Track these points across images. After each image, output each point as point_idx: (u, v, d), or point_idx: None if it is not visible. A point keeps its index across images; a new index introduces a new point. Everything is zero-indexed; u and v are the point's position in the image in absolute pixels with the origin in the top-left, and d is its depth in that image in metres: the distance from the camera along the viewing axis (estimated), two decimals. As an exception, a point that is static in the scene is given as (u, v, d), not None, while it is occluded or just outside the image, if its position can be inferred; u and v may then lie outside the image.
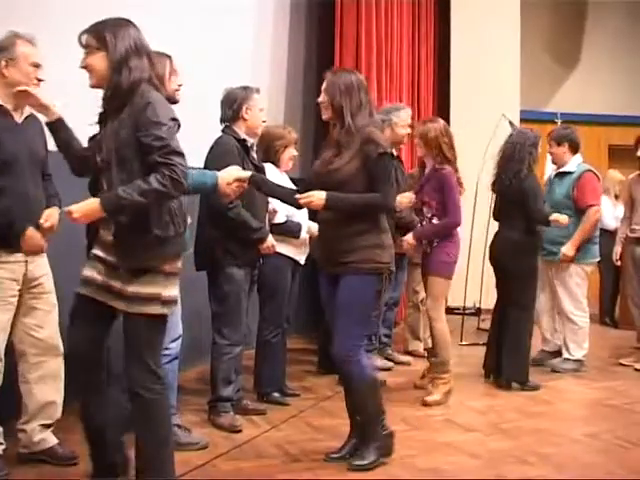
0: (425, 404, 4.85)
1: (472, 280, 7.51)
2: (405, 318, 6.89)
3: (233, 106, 4.42)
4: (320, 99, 3.73)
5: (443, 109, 9.25)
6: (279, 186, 3.95)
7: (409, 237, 5.06)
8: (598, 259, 6.06)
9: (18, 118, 3.50)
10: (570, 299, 5.87)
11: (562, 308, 5.92)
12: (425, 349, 6.58)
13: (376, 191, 3.60)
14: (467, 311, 7.72)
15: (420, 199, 5.06)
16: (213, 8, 5.78)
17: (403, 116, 6.02)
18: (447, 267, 4.99)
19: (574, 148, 5.95)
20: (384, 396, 3.89)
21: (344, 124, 3.64)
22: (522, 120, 8.45)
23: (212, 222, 4.25)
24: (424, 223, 5.05)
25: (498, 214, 5.60)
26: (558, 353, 6.07)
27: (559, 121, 8.33)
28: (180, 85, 3.85)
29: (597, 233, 5.98)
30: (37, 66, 3.46)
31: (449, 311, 8.63)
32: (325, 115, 3.73)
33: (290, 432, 4.24)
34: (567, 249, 5.77)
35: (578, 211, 5.80)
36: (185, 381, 5.07)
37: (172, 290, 2.99)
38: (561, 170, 5.95)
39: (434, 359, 5.11)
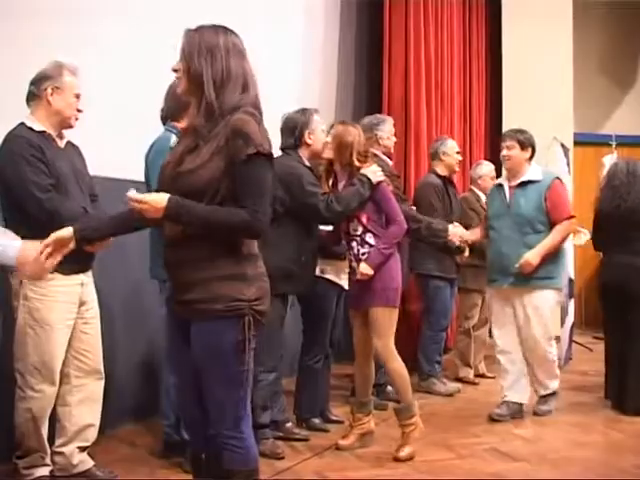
0: (398, 460, 4.14)
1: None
2: (455, 344, 6.81)
3: (295, 133, 4.31)
4: (174, 65, 2.61)
5: (495, 131, 9.18)
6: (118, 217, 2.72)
7: (364, 267, 4.15)
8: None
9: (60, 144, 3.60)
10: (543, 330, 5.04)
11: (533, 342, 5.07)
12: (476, 375, 6.51)
13: (242, 205, 2.47)
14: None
15: None
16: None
17: (450, 144, 6.02)
18: (394, 294, 4.22)
19: (532, 156, 5.13)
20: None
21: (202, 100, 2.52)
22: (576, 143, 8.34)
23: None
24: (353, 244, 4.24)
25: (607, 242, 5.34)
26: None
27: (614, 143, 8.23)
28: None
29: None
30: (78, 97, 3.55)
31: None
32: (180, 87, 2.60)
33: (332, 460, 4.19)
34: (532, 255, 4.88)
35: (552, 225, 5.00)
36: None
37: None
38: (525, 179, 5.06)
39: (397, 406, 4.36)
